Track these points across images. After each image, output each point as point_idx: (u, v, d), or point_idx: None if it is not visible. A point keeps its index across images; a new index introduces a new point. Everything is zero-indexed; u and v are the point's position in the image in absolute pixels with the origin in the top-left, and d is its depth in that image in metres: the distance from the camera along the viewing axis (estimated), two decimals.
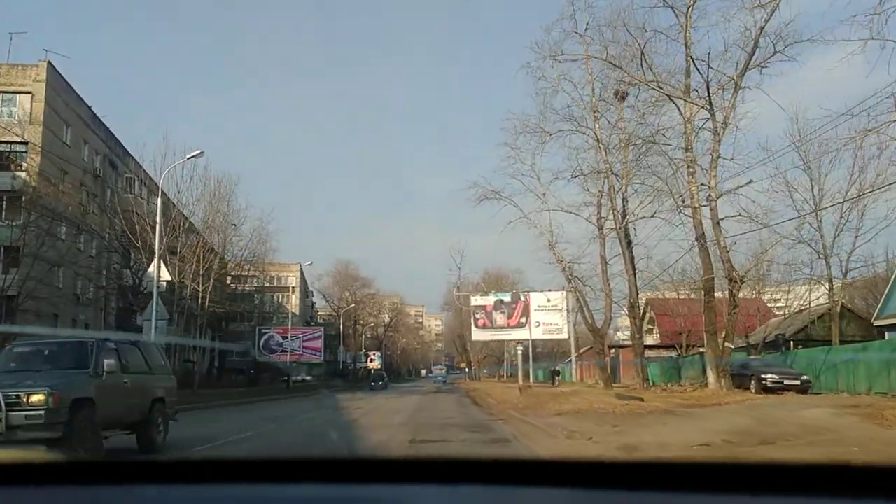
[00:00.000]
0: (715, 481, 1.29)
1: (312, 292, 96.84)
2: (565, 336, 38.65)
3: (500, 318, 37.83)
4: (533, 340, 40.45)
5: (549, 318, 37.26)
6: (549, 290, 37.64)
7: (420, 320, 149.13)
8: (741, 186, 19.19)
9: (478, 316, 38.43)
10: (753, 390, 19.88)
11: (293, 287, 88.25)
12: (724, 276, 19.61)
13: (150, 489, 1.38)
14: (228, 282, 55.75)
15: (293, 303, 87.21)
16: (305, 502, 1.34)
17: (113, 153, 41.94)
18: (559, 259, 31.15)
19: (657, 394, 20.38)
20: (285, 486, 1.37)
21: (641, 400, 16.98)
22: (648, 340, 57.55)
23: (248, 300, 73.52)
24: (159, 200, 23.88)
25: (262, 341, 52.19)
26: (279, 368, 50.96)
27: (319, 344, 54.19)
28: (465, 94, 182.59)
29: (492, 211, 62.49)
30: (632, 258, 26.36)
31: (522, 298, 37.92)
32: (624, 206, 26.85)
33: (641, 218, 25.47)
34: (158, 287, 21.65)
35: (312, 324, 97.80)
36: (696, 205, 20.30)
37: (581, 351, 69.95)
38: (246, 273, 51.90)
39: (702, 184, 19.58)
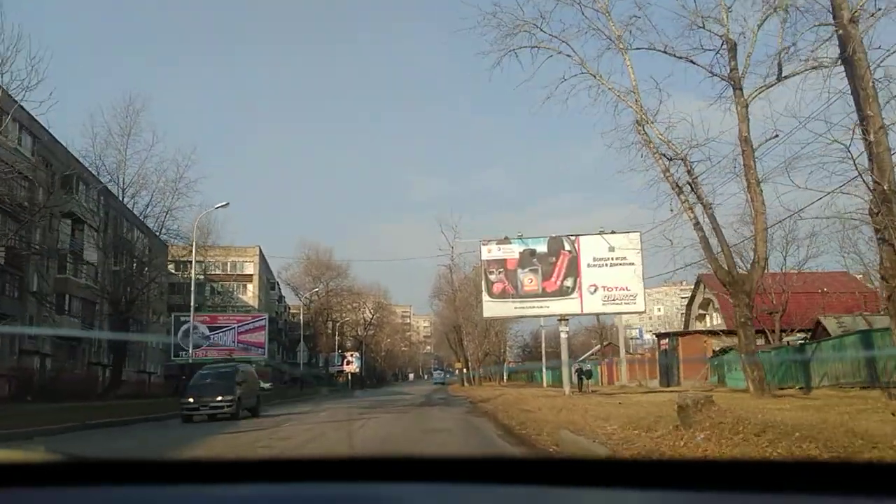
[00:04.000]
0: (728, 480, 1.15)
1: (278, 283, 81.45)
2: (640, 308, 23.17)
3: (529, 281, 22.77)
4: (545, 321, 24.48)
5: (612, 279, 22.20)
6: (612, 233, 22.63)
7: (408, 321, 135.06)
8: None
9: (493, 277, 23.24)
10: None
11: (251, 275, 72.89)
12: None
13: (149, 489, 1.34)
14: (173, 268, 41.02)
15: (251, 294, 71.81)
16: (304, 501, 1.29)
17: None
18: (655, 152, 16.59)
19: None
20: (285, 486, 1.33)
21: None
22: (700, 327, 46.24)
23: (199, 291, 58.41)
24: None
25: (180, 333, 36.80)
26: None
27: (262, 337, 38.82)
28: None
29: (521, 75, 39.15)
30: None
31: (567, 247, 22.79)
32: None
33: None
34: None
35: (281, 321, 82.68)
36: None
37: (605, 345, 55.51)
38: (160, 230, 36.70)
39: None
